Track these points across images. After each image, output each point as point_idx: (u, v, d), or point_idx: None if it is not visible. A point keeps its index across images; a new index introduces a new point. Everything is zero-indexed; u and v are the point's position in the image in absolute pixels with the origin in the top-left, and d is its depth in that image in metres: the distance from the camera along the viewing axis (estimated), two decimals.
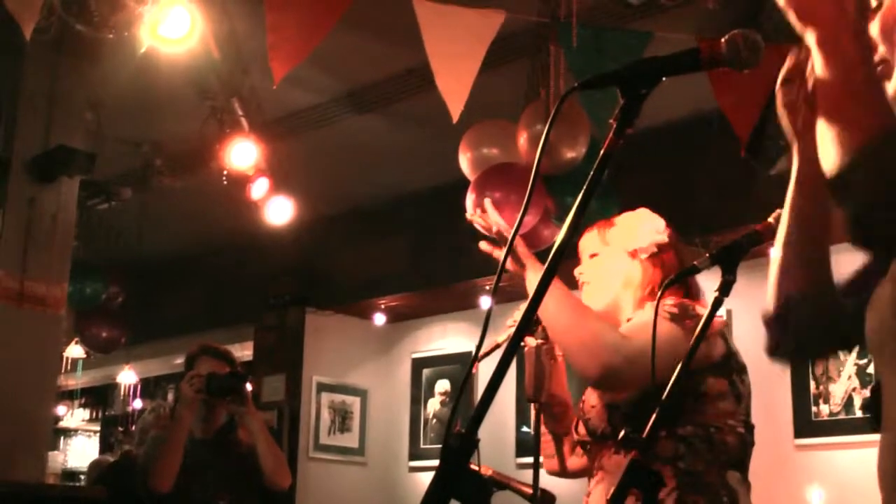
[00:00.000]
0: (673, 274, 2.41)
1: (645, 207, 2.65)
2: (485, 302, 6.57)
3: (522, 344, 2.60)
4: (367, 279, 7.26)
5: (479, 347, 1.35)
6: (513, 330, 2.45)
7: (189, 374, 3.88)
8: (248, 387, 3.98)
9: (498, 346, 2.50)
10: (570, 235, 1.28)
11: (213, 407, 3.92)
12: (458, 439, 1.16)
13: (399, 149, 6.23)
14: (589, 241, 2.60)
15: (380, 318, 7.60)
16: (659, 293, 1.92)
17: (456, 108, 3.66)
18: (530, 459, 2.61)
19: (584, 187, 1.25)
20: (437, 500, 1.16)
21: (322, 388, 7.60)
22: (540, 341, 2.58)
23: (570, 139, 4.06)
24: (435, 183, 6.47)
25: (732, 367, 2.36)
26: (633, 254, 2.53)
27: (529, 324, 1.29)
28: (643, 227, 2.56)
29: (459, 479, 1.17)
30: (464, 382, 1.38)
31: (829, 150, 1.16)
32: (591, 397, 2.46)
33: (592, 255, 2.58)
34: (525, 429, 6.84)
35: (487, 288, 6.49)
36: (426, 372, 7.64)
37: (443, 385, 7.42)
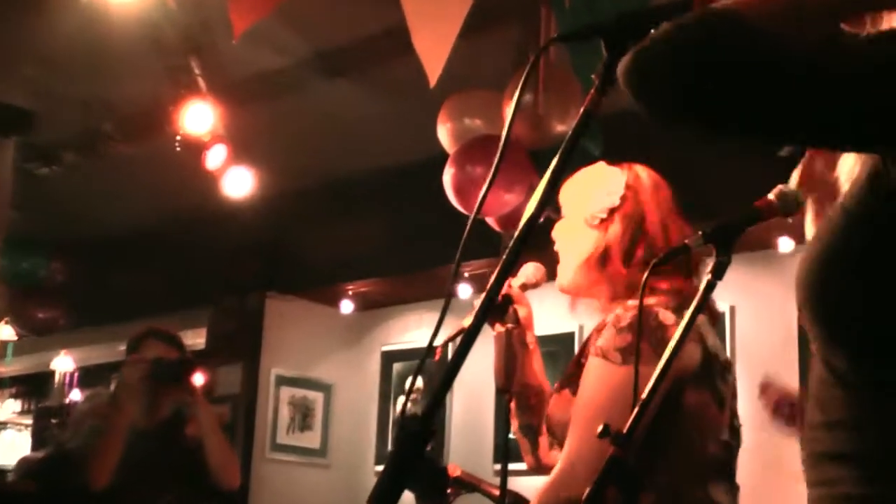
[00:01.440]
0: (619, 248, 2.42)
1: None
2: (464, 290, 6.58)
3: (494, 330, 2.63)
4: (335, 262, 7.25)
5: (436, 332, 1.35)
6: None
7: (132, 358, 3.87)
8: (200, 376, 3.97)
9: (464, 330, 2.49)
10: (542, 208, 1.28)
11: (158, 395, 3.91)
12: (413, 423, 1.16)
13: (373, 118, 6.21)
14: (562, 196, 2.58)
15: (347, 306, 7.60)
16: (642, 285, 1.88)
17: (434, 71, 3.66)
18: (512, 466, 2.62)
19: (560, 151, 1.26)
20: (389, 489, 1.17)
21: (282, 381, 7.60)
22: (510, 325, 2.58)
23: (561, 110, 4.06)
24: (412, 157, 6.46)
25: (714, 371, 2.33)
26: (587, 221, 2.51)
27: (493, 304, 1.30)
28: (593, 188, 2.52)
29: (414, 467, 1.18)
30: (417, 370, 1.39)
31: None
32: (555, 412, 2.46)
33: (560, 218, 2.59)
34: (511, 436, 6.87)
35: (467, 275, 6.49)
36: (397, 366, 7.65)
37: (419, 382, 7.43)
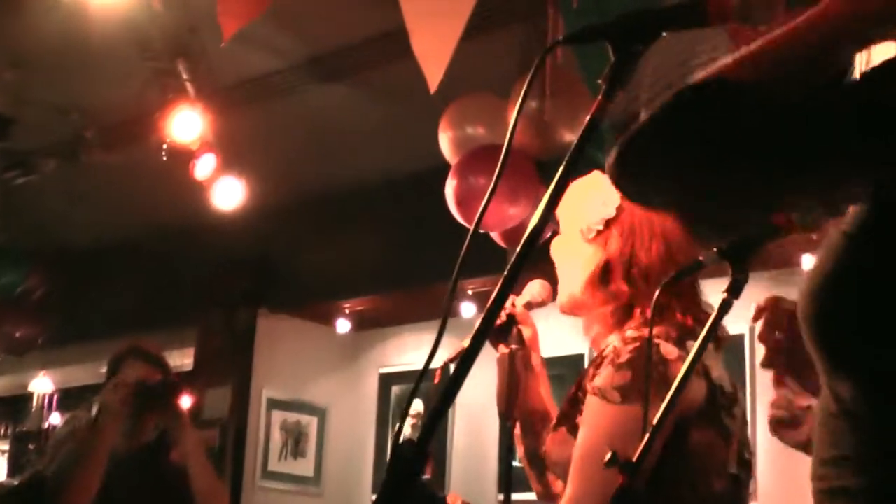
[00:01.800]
0: (620, 263, 2.39)
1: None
2: (467, 309, 6.57)
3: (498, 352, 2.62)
4: (330, 278, 7.25)
5: (433, 352, 1.35)
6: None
7: (114, 380, 3.86)
8: (186, 399, 3.96)
9: (464, 351, 2.48)
10: (545, 221, 1.28)
11: (140, 419, 3.90)
12: (408, 448, 1.16)
13: (371, 126, 6.22)
14: (559, 209, 2.54)
15: (344, 325, 7.59)
16: (652, 307, 1.86)
17: (434, 76, 3.66)
18: (517, 496, 2.62)
19: (565, 160, 1.25)
20: None
21: (273, 404, 7.59)
22: (513, 347, 2.57)
23: (569, 117, 4.06)
24: (412, 167, 6.47)
25: (719, 406, 2.30)
26: (583, 234, 2.48)
27: (493, 323, 1.29)
28: (588, 199, 2.49)
29: (410, 496, 1.17)
30: (412, 393, 1.38)
31: None
32: (553, 451, 2.43)
33: (558, 233, 2.57)
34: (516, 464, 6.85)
35: (470, 293, 6.49)
36: (396, 389, 7.64)
37: (415, 406, 7.41)
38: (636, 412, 2.16)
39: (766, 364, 1.74)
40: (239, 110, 5.79)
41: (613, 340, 2.35)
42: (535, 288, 2.65)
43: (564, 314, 2.53)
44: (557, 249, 2.55)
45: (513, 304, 2.61)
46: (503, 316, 2.60)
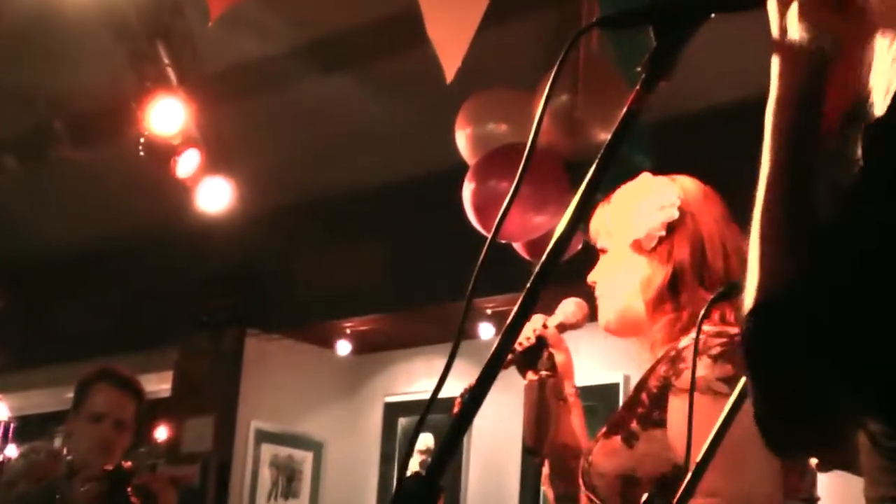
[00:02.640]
0: (692, 268, 2.40)
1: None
2: (486, 330, 6.56)
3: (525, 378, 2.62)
4: (329, 294, 7.26)
5: (442, 379, 1.34)
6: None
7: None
8: (163, 430, 3.97)
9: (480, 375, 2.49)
10: (574, 228, 1.27)
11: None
12: (415, 483, 1.15)
13: (378, 122, 6.23)
14: (595, 226, 2.58)
15: (344, 347, 7.59)
16: (697, 326, 1.87)
17: (451, 66, 3.67)
18: None
19: (598, 159, 1.25)
20: None
21: (263, 437, 7.59)
22: (544, 373, 2.57)
23: (604, 114, 4.06)
24: (424, 168, 6.47)
25: None
26: (637, 247, 2.49)
27: (510, 343, 1.29)
28: (642, 204, 2.51)
29: None
30: (418, 424, 1.38)
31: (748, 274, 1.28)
32: (601, 461, 2.44)
33: (602, 251, 2.58)
34: None
35: (489, 312, 6.48)
36: (403, 422, 7.64)
37: (425, 441, 7.39)
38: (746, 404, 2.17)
39: None
40: (227, 101, 5.80)
41: (685, 341, 2.36)
42: (569, 307, 2.66)
43: (612, 334, 2.55)
44: (606, 269, 2.56)
45: (544, 325, 2.62)
46: (532, 338, 2.60)
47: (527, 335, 2.61)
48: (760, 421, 1.31)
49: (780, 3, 1.28)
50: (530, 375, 2.60)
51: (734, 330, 2.29)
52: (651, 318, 2.46)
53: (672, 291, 2.44)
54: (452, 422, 1.27)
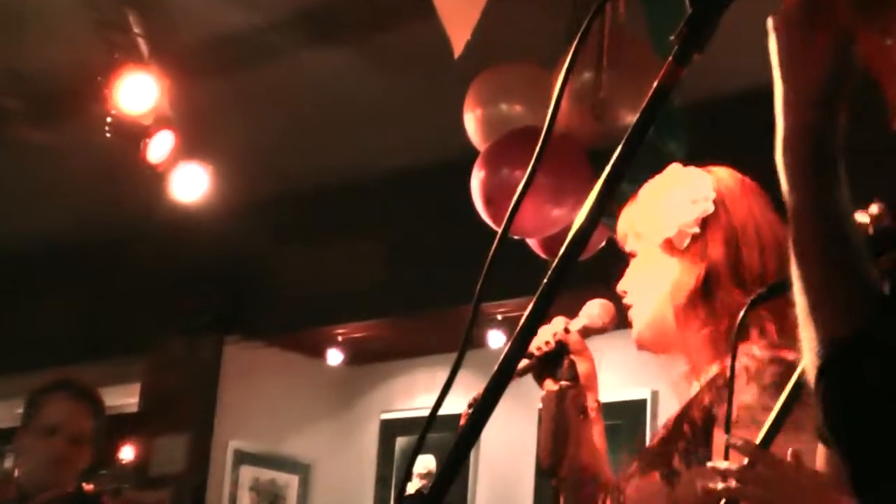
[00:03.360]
0: (726, 269, 2.40)
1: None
2: (496, 338, 6.57)
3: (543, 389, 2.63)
4: (320, 297, 7.27)
5: (445, 390, 1.35)
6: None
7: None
8: (128, 450, 3.99)
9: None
10: (595, 220, 1.28)
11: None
12: (415, 502, 1.18)
13: (376, 102, 6.24)
14: (623, 227, 2.57)
15: (335, 357, 7.61)
16: (734, 339, 1.88)
17: (459, 38, 3.68)
18: None
19: (623, 142, 1.26)
20: None
21: (243, 458, 7.61)
22: (564, 383, 2.58)
23: (633, 94, 4.06)
24: (428, 155, 6.48)
25: None
26: (668, 247, 2.49)
27: (522, 349, 1.30)
28: (672, 199, 2.50)
29: None
30: (419, 443, 1.39)
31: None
32: (643, 488, 2.44)
33: (631, 255, 2.58)
34: None
35: (500, 317, 6.49)
36: (402, 441, 7.66)
37: (425, 463, 7.41)
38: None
39: None
40: (205, 78, 5.81)
41: (741, 359, 2.32)
42: (594, 309, 2.66)
43: (646, 349, 2.54)
44: (636, 274, 2.56)
45: (565, 329, 2.62)
46: (552, 343, 2.61)
47: (546, 339, 2.61)
48: (857, 483, 1.36)
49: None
50: (549, 385, 2.61)
51: (791, 356, 2.26)
52: (682, 327, 2.46)
53: (705, 296, 2.43)
54: (457, 436, 1.29)
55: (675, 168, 2.56)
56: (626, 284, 2.58)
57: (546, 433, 2.58)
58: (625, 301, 2.56)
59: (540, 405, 2.63)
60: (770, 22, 1.37)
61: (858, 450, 1.33)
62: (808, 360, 1.35)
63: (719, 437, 2.27)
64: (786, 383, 2.19)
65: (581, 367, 2.63)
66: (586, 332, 2.66)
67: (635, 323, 2.54)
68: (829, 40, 1.34)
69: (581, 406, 2.61)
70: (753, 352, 2.30)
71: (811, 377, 1.34)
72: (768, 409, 2.16)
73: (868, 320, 1.32)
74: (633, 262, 2.58)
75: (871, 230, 1.76)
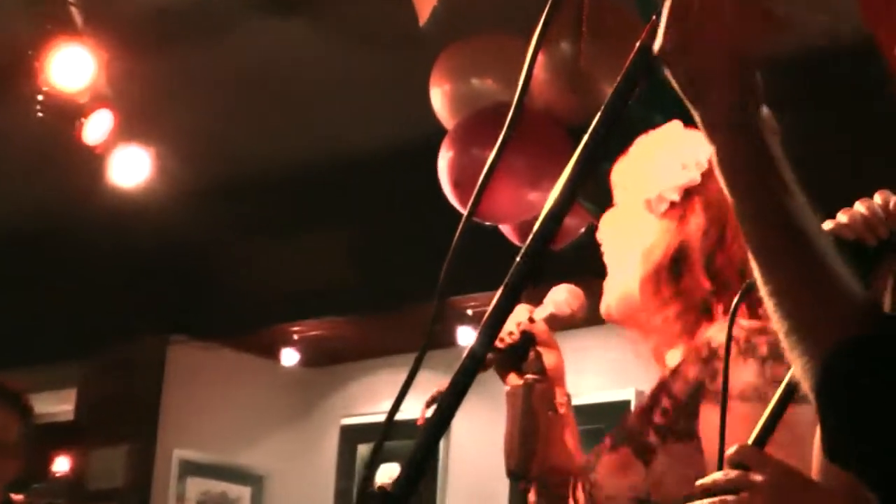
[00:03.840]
0: (702, 249, 2.42)
1: None
2: (466, 335, 6.58)
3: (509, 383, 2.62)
4: (274, 292, 7.28)
5: (404, 389, 1.35)
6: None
7: None
8: (64, 461, 3.97)
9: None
10: (570, 200, 1.27)
11: None
12: (381, 498, 1.17)
13: (336, 77, 6.23)
14: (613, 178, 2.58)
15: (291, 357, 7.62)
16: (730, 318, 1.89)
17: (426, 6, 3.67)
18: None
19: (601, 111, 1.25)
20: None
21: (190, 468, 7.62)
22: (530, 377, 2.57)
23: (615, 66, 4.06)
24: (392, 136, 6.49)
25: None
26: (651, 205, 2.50)
27: (490, 341, 1.30)
28: (662, 158, 2.52)
29: None
30: (378, 445, 1.40)
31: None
32: (609, 480, 2.44)
33: (610, 207, 2.60)
34: None
35: (470, 313, 6.50)
36: (363, 449, 7.70)
37: (390, 471, 7.41)
38: None
39: None
40: (147, 51, 5.79)
41: (715, 334, 2.36)
42: (560, 295, 2.66)
43: (610, 321, 2.57)
44: (608, 227, 2.57)
45: (529, 319, 2.62)
46: (515, 334, 2.60)
47: (509, 330, 2.60)
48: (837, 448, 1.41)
49: None
50: (513, 379, 2.60)
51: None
52: (645, 301, 2.48)
53: (672, 273, 2.46)
54: (420, 434, 1.28)
55: (674, 126, 2.56)
56: (604, 233, 2.60)
57: (512, 432, 2.56)
58: (603, 252, 2.58)
59: (506, 401, 2.62)
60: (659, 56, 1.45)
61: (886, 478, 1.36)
62: (800, 373, 1.41)
63: (709, 412, 2.29)
64: (780, 353, 2.25)
65: (548, 360, 2.61)
66: (553, 322, 2.64)
67: (605, 291, 2.56)
68: (723, 63, 1.42)
69: (550, 402, 2.60)
70: (740, 323, 2.31)
71: (811, 395, 1.39)
72: (777, 382, 2.16)
73: (863, 326, 1.36)
74: (612, 210, 2.60)
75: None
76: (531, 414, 2.55)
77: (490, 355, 2.56)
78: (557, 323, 2.65)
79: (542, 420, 2.57)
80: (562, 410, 2.63)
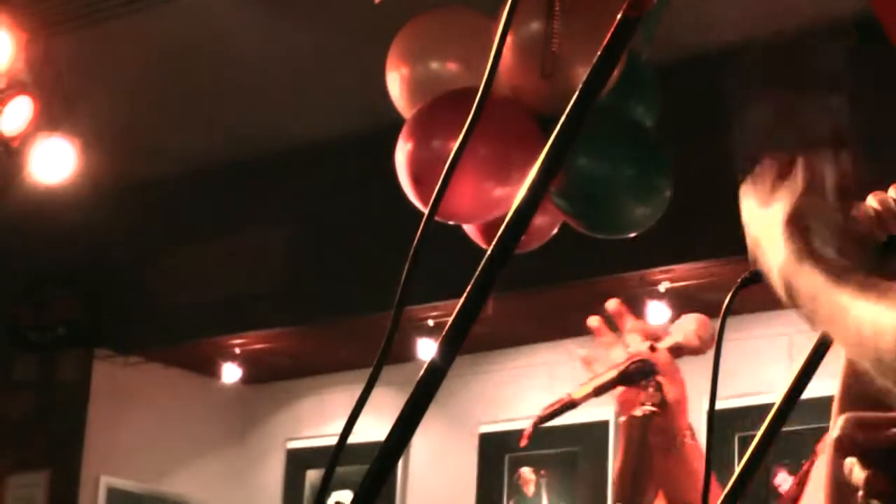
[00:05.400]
0: None
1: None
2: (426, 348, 6.60)
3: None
4: (211, 302, 7.26)
5: (356, 411, 1.36)
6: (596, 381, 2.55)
7: None
8: None
9: (571, 404, 2.57)
10: (533, 203, 1.29)
11: None
12: None
13: (282, 61, 6.24)
14: None
15: (231, 373, 7.61)
16: (722, 318, 1.92)
17: None
18: None
19: (574, 98, 1.26)
20: None
21: (118, 498, 7.62)
22: (649, 409, 2.60)
23: (590, 48, 4.08)
24: (342, 125, 6.49)
25: None
26: None
27: (452, 358, 1.30)
28: None
29: None
30: (325, 481, 1.41)
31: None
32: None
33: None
34: None
35: (431, 324, 6.51)
36: (312, 475, 7.69)
37: (342, 498, 7.42)
38: None
39: None
40: (71, 33, 5.79)
41: None
42: (689, 324, 2.67)
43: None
44: None
45: (651, 347, 2.64)
46: (635, 361, 2.62)
47: (634, 357, 2.64)
48: None
49: None
50: (629, 406, 2.63)
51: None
52: None
53: None
54: (374, 458, 1.29)
55: None
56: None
57: (623, 467, 2.59)
58: None
59: (619, 431, 2.64)
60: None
61: None
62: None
63: None
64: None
65: (670, 393, 2.63)
66: (678, 352, 2.67)
67: None
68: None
69: (671, 437, 2.61)
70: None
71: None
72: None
73: None
74: None
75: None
76: (647, 448, 2.58)
77: (608, 378, 2.61)
78: (683, 353, 2.68)
79: (658, 455, 2.60)
80: (689, 445, 2.64)
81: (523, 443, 2.32)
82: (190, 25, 6.07)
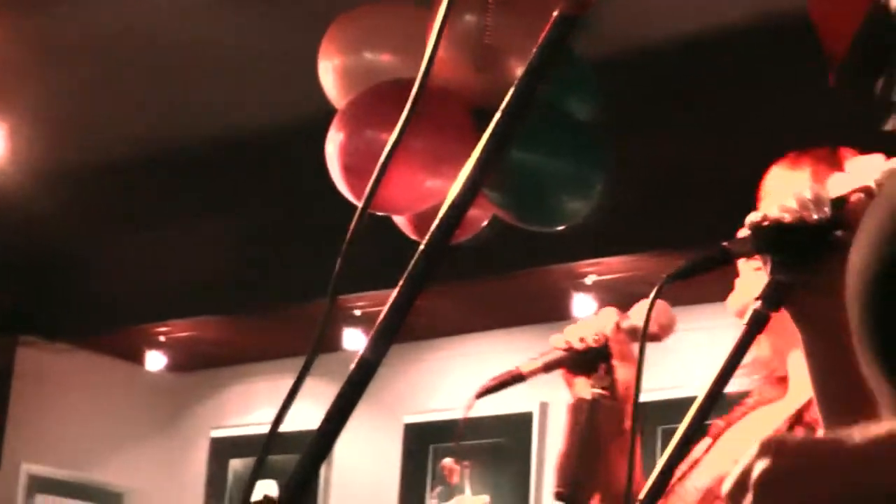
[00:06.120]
0: None
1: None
2: (354, 339, 6.60)
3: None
4: (138, 289, 7.25)
5: (288, 401, 1.35)
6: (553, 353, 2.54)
7: None
8: None
9: (518, 377, 2.52)
10: (470, 192, 1.29)
11: None
12: None
13: (216, 48, 6.22)
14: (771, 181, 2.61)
15: (156, 361, 7.60)
16: (648, 309, 1.93)
17: None
18: None
19: (510, 94, 1.26)
20: None
21: (40, 486, 7.60)
22: (597, 392, 2.57)
23: (526, 41, 4.09)
24: (274, 115, 6.48)
25: None
26: None
27: (384, 352, 1.30)
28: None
29: None
30: (254, 472, 1.41)
31: None
32: None
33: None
34: None
35: (358, 313, 6.51)
36: (236, 464, 7.70)
37: (268, 488, 7.41)
38: None
39: None
40: (4, 10, 5.74)
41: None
42: (652, 310, 2.66)
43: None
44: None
45: (617, 325, 2.60)
46: (601, 338, 2.57)
47: (595, 333, 2.59)
48: None
49: None
50: (581, 387, 2.59)
51: None
52: None
53: None
54: (305, 450, 1.29)
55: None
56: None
57: (569, 450, 2.54)
58: None
59: (566, 414, 2.61)
60: None
61: None
62: None
63: None
64: None
65: (621, 374, 2.57)
66: (634, 335, 2.60)
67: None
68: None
69: (618, 422, 2.56)
70: None
71: None
72: None
73: None
74: None
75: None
76: (594, 433, 2.53)
77: (560, 355, 2.56)
78: (637, 338, 2.60)
79: (603, 439, 2.54)
80: (629, 431, 2.59)
81: (464, 414, 2.30)
82: (124, 12, 6.04)
